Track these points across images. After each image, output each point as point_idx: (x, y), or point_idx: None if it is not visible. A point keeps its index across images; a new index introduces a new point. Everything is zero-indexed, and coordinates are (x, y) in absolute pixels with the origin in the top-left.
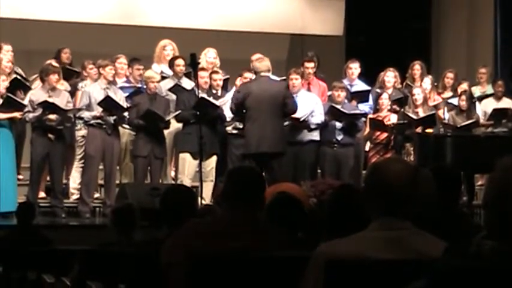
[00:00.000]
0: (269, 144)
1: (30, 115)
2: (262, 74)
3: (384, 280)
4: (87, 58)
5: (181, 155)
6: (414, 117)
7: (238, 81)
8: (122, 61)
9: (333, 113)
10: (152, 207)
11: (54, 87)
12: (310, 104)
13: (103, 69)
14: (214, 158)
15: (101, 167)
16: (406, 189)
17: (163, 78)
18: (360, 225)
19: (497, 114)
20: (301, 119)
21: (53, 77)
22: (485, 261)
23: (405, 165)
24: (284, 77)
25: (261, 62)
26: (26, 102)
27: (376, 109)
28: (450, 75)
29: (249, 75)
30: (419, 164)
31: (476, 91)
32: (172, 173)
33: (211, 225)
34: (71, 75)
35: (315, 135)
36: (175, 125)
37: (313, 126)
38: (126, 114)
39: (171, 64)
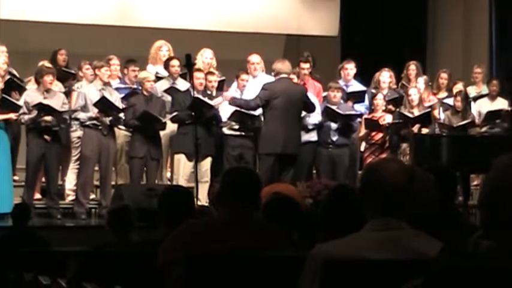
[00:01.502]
0: (293, 147)
1: (26, 117)
2: (284, 75)
3: (381, 280)
4: (83, 59)
5: (176, 156)
6: (410, 116)
7: (235, 84)
8: (115, 62)
9: (328, 113)
10: (148, 208)
11: (49, 88)
12: None
13: (98, 71)
14: (209, 159)
15: (96, 168)
16: (402, 190)
17: (158, 79)
18: (356, 226)
19: (492, 116)
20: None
21: (47, 79)
22: (481, 260)
23: (401, 165)
24: None
25: (284, 64)
26: (21, 103)
27: (371, 109)
28: (444, 75)
29: (246, 77)
30: (415, 164)
31: (472, 91)
32: (168, 174)
33: (208, 226)
34: (67, 77)
35: (313, 136)
36: (170, 126)
37: (310, 127)
38: (121, 115)
39: (167, 65)
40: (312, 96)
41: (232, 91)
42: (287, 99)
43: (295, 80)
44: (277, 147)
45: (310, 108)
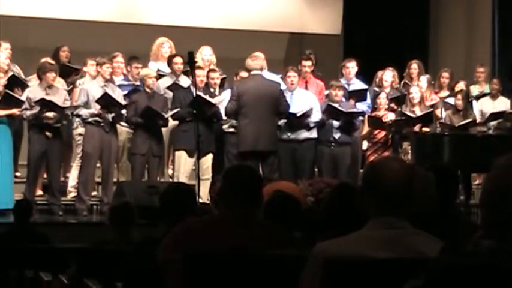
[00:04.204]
0: (265, 143)
1: (28, 112)
2: (255, 72)
3: (382, 279)
4: (85, 56)
5: (177, 153)
6: (412, 115)
7: (235, 81)
8: (119, 59)
9: (330, 111)
10: (150, 205)
11: (51, 84)
12: (307, 102)
13: (100, 67)
14: (210, 156)
15: (98, 165)
16: (403, 188)
17: (160, 76)
18: (358, 224)
19: (494, 117)
20: (298, 115)
21: (50, 75)
22: (482, 260)
23: (402, 164)
24: (281, 75)
25: (254, 61)
26: (23, 99)
27: (374, 108)
28: (445, 74)
29: (245, 75)
30: (416, 163)
31: (475, 90)
32: (170, 171)
33: (209, 224)
34: (70, 72)
35: (312, 133)
36: (171, 123)
37: (312, 125)
38: (124, 111)
39: (170, 62)
40: (308, 95)
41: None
42: (255, 95)
43: (296, 77)
44: (247, 145)
45: (284, 107)
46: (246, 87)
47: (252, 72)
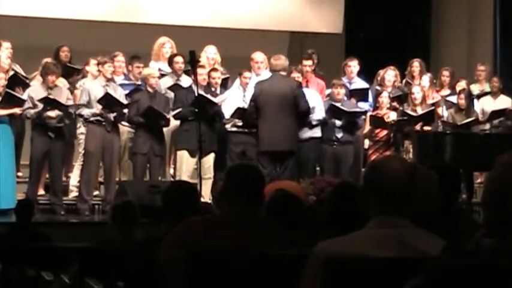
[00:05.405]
0: (280, 143)
1: (31, 111)
2: (278, 72)
3: (383, 278)
4: (86, 55)
5: (179, 153)
6: (414, 114)
7: (238, 81)
8: (120, 59)
9: (332, 111)
10: (151, 204)
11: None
12: (310, 101)
13: (101, 67)
14: (212, 155)
15: (100, 164)
16: (404, 187)
17: (161, 75)
18: (359, 223)
19: (496, 115)
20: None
21: (51, 78)
22: (483, 259)
23: (403, 163)
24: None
25: (277, 60)
26: (24, 97)
27: (376, 107)
28: (446, 73)
29: (249, 75)
30: (418, 161)
31: (475, 89)
32: (172, 171)
33: (211, 222)
34: (72, 72)
35: (316, 132)
36: (173, 122)
37: (314, 123)
38: (125, 111)
39: (171, 61)
40: (311, 93)
41: (235, 88)
42: (269, 95)
43: (300, 78)
44: (264, 145)
45: (302, 107)
46: (261, 87)
47: (274, 73)
